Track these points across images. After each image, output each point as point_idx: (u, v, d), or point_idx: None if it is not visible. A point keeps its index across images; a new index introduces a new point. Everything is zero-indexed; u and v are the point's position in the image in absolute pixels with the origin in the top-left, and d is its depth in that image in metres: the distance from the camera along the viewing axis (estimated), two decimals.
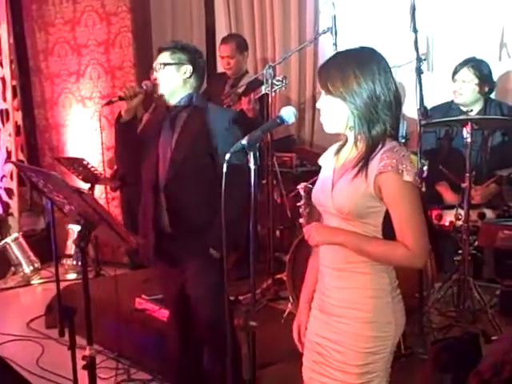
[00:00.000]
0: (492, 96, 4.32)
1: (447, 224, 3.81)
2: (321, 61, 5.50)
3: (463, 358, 2.88)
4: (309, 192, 3.97)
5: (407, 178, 1.89)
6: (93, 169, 5.63)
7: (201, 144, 2.95)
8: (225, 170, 2.01)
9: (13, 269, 6.31)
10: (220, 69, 5.64)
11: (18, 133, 6.82)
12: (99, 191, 5.92)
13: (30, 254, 6.33)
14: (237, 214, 2.69)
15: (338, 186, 2.00)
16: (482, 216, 3.74)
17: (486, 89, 4.19)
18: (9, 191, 6.72)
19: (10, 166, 6.64)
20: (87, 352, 2.62)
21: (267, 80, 4.34)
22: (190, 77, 3.03)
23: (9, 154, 6.66)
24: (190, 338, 3.21)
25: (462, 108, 4.23)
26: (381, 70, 1.96)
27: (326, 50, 5.26)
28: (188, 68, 3.02)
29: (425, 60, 3.59)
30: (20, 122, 6.91)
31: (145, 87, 3.01)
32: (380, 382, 2.04)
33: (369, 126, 1.96)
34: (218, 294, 2.90)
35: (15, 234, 6.42)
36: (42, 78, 6.82)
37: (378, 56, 2.00)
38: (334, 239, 2.00)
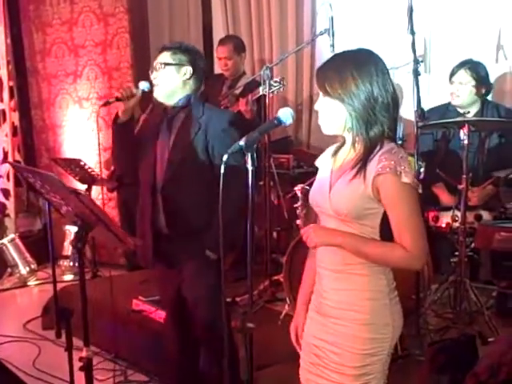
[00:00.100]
0: (489, 98, 4.32)
1: (444, 226, 3.81)
2: (318, 62, 5.51)
3: (460, 360, 2.88)
4: (306, 193, 3.96)
5: (405, 179, 1.90)
6: (90, 170, 5.63)
7: (198, 145, 2.95)
8: (222, 171, 2.01)
9: (9, 270, 6.31)
10: (217, 70, 5.64)
11: (14, 133, 6.82)
12: (96, 192, 5.92)
13: (27, 255, 6.33)
14: (234, 216, 2.69)
15: (336, 188, 2.00)
16: (478, 218, 3.74)
17: (483, 91, 4.19)
18: (5, 192, 6.71)
19: (6, 167, 6.63)
20: (84, 353, 2.61)
21: (264, 81, 4.34)
22: (190, 78, 3.03)
23: (5, 154, 6.65)
24: (186, 340, 3.21)
25: (458, 110, 4.23)
26: (378, 71, 1.96)
27: (323, 52, 5.26)
28: (188, 69, 3.02)
29: (422, 62, 3.59)
30: (17, 123, 6.91)
31: (142, 87, 3.00)
32: (377, 383, 2.04)
33: (367, 127, 1.96)
34: (215, 295, 2.89)
35: (12, 235, 6.42)
36: (39, 78, 6.81)
37: (376, 58, 2.00)
38: (331, 241, 2.00)
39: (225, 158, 2.00)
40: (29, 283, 6.19)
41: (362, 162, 1.95)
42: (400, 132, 3.83)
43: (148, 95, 3.07)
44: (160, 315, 3.83)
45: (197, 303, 3.03)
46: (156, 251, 3.04)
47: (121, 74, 6.23)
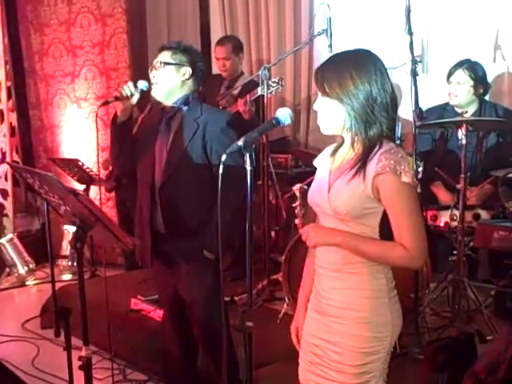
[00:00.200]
0: (486, 98, 4.33)
1: (442, 225, 3.83)
2: (316, 63, 5.52)
3: (459, 358, 2.89)
4: (304, 193, 3.97)
5: (405, 179, 1.90)
6: (88, 170, 5.64)
7: (196, 145, 2.95)
8: (221, 171, 2.01)
9: (7, 270, 6.30)
10: (215, 70, 5.64)
11: (12, 134, 6.81)
12: (94, 192, 5.92)
13: (25, 254, 6.32)
14: (232, 216, 2.69)
15: (335, 188, 2.01)
16: (476, 217, 3.75)
17: (481, 90, 4.21)
18: (3, 192, 6.70)
19: (4, 167, 6.63)
20: (83, 353, 2.61)
21: (263, 81, 4.35)
22: (189, 79, 3.03)
23: (3, 155, 6.64)
24: (185, 339, 3.21)
25: (456, 110, 4.25)
26: (377, 71, 1.97)
27: (321, 52, 5.27)
28: (187, 70, 3.02)
29: (420, 62, 3.60)
30: (15, 123, 6.90)
31: (141, 86, 3.01)
32: (377, 382, 2.04)
33: (365, 127, 1.96)
34: (213, 294, 2.90)
35: (10, 235, 6.41)
36: (37, 78, 6.81)
37: (375, 58, 2.01)
38: (331, 240, 2.01)
39: (223, 158, 2.00)
40: (27, 283, 6.18)
41: (362, 162, 1.95)
42: (398, 132, 3.83)
43: (146, 94, 3.07)
44: (159, 314, 3.83)
45: (195, 303, 3.03)
46: (154, 251, 3.04)
47: (119, 75, 6.24)
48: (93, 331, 2.74)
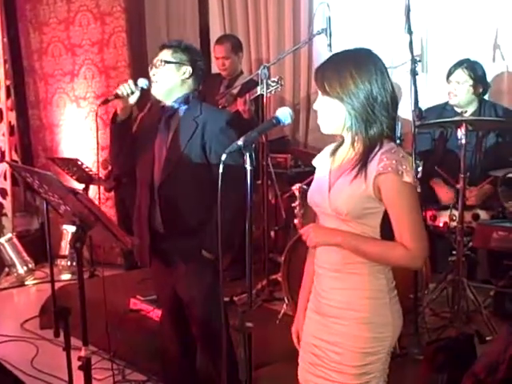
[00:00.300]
0: (486, 97, 4.33)
1: (441, 225, 3.83)
2: (315, 62, 5.52)
3: (458, 359, 2.89)
4: (303, 193, 3.97)
5: (407, 178, 1.90)
6: (87, 169, 5.63)
7: (195, 145, 2.95)
8: (221, 170, 2.01)
9: (7, 269, 6.29)
10: (214, 69, 5.64)
11: (11, 133, 6.80)
12: (93, 192, 5.91)
13: (24, 254, 6.31)
14: (232, 215, 2.69)
15: (336, 188, 2.00)
16: (476, 217, 3.75)
17: (480, 90, 4.20)
18: (2, 191, 6.69)
19: (3, 166, 6.62)
20: (83, 353, 2.61)
21: (262, 81, 4.34)
22: (189, 78, 3.03)
23: (2, 154, 6.63)
24: (184, 339, 3.20)
25: (456, 109, 4.25)
26: (377, 70, 1.96)
27: (321, 52, 5.26)
28: (188, 69, 3.02)
29: (419, 61, 3.59)
30: (14, 122, 6.89)
31: (141, 85, 3.00)
32: (378, 382, 2.04)
33: (366, 126, 1.96)
34: (212, 294, 2.90)
35: (9, 235, 6.40)
36: (36, 77, 6.80)
37: (375, 57, 2.01)
38: (332, 240, 2.00)
39: (223, 157, 2.00)
40: (26, 283, 6.17)
41: (363, 162, 1.95)
42: (398, 131, 3.83)
43: (146, 93, 3.07)
44: (157, 314, 3.82)
45: (193, 302, 3.03)
46: (153, 250, 3.04)
47: (118, 73, 6.22)
48: (92, 331, 2.74)
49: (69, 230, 6.07)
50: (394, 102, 1.99)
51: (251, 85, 4.66)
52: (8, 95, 6.75)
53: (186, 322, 3.13)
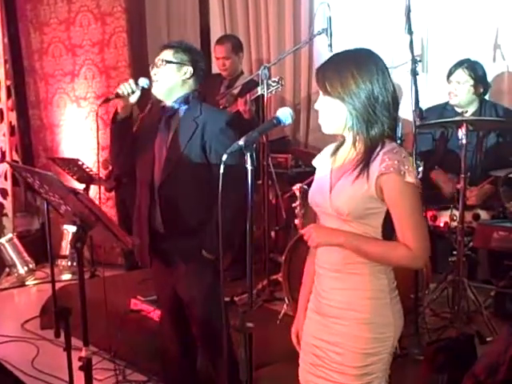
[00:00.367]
0: (486, 97, 4.33)
1: (442, 225, 3.83)
2: (316, 62, 5.52)
3: (458, 359, 2.89)
4: (304, 193, 3.97)
5: (409, 179, 1.91)
6: (88, 169, 5.63)
7: (195, 145, 2.95)
8: (222, 170, 2.01)
9: (7, 270, 6.30)
10: (215, 69, 5.64)
11: (12, 133, 6.80)
12: (94, 192, 5.91)
13: (25, 254, 6.32)
14: (232, 215, 2.68)
15: (337, 188, 2.00)
16: (476, 217, 3.75)
17: (481, 90, 4.20)
18: (3, 191, 6.69)
19: (3, 166, 6.62)
20: (83, 353, 2.61)
21: (262, 81, 4.34)
22: (190, 78, 3.03)
23: (3, 154, 6.64)
24: (184, 339, 3.20)
25: (456, 109, 4.25)
26: (379, 70, 1.96)
27: (321, 52, 5.26)
28: (189, 69, 3.02)
29: (420, 61, 3.59)
30: (14, 123, 6.89)
31: (142, 84, 3.00)
32: (379, 383, 2.04)
33: (367, 126, 1.96)
34: (212, 294, 2.90)
35: (9, 235, 6.40)
36: (37, 78, 6.80)
37: (376, 57, 2.01)
38: (334, 240, 2.00)
39: (224, 157, 2.00)
40: (27, 283, 6.18)
41: (365, 162, 1.95)
42: (399, 132, 3.83)
43: (147, 93, 3.07)
44: (158, 315, 3.82)
45: (193, 302, 3.03)
46: (153, 250, 3.04)
47: (118, 74, 6.23)
48: (92, 331, 2.74)
49: (69, 230, 6.07)
50: (395, 102, 1.99)
51: (252, 85, 4.66)
52: (8, 95, 6.75)
53: (187, 322, 3.13)
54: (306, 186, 4.00)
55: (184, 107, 3.03)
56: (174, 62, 3.00)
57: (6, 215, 6.68)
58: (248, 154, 1.99)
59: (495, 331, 3.43)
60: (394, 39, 4.75)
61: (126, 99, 2.97)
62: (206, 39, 6.46)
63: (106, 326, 3.72)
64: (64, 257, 6.26)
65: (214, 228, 2.72)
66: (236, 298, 4.12)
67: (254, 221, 2.06)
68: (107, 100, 3.04)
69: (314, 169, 2.21)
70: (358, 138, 1.99)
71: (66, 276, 6.12)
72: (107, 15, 6.24)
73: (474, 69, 4.15)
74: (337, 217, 2.00)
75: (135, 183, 3.16)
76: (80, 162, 5.62)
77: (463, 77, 4.15)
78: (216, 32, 6.23)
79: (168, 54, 3.01)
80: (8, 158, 6.56)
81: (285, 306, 3.95)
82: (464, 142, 3.49)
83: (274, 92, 4.42)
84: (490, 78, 4.35)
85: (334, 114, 2.00)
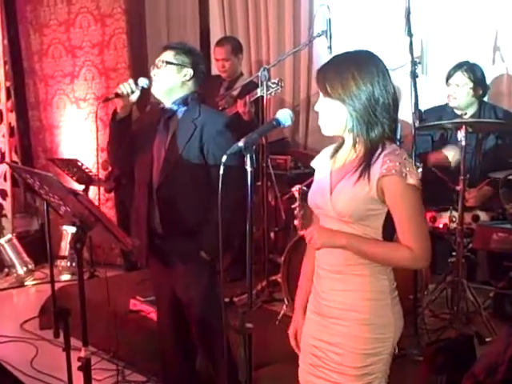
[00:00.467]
0: (485, 99, 4.33)
1: (441, 226, 3.82)
2: (315, 64, 5.52)
3: (458, 360, 2.89)
4: (303, 194, 3.98)
5: (411, 180, 1.91)
6: (87, 170, 5.64)
7: (194, 146, 2.95)
8: (221, 172, 2.01)
9: (6, 270, 6.31)
10: (214, 71, 5.64)
11: (11, 134, 6.81)
12: (93, 193, 5.92)
13: (24, 255, 6.32)
14: (231, 215, 2.69)
15: (338, 190, 2.00)
16: (475, 218, 3.76)
17: (480, 92, 4.20)
18: (2, 192, 6.70)
19: (3, 167, 6.63)
20: (82, 353, 2.61)
21: (262, 82, 4.35)
22: (189, 80, 3.04)
23: (2, 155, 6.64)
24: (183, 339, 3.21)
25: (456, 111, 4.25)
26: (379, 72, 1.97)
27: (321, 54, 5.27)
28: (189, 71, 3.03)
29: (419, 63, 3.60)
30: (14, 124, 6.89)
31: (142, 84, 3.01)
32: (379, 383, 2.04)
33: (367, 128, 1.96)
34: (210, 295, 2.91)
35: (9, 236, 6.41)
36: (37, 79, 6.81)
37: (376, 59, 2.01)
38: (336, 242, 1.99)
39: (224, 159, 2.00)
40: (26, 283, 6.18)
41: (366, 164, 1.95)
42: (398, 133, 3.83)
43: (147, 93, 3.08)
44: None
45: (192, 303, 3.04)
46: (151, 250, 3.05)
47: (118, 75, 6.23)
48: (92, 332, 2.74)
49: (69, 230, 6.07)
50: (395, 103, 1.99)
51: (251, 87, 4.67)
52: (8, 96, 6.76)
53: (186, 323, 3.14)
54: (305, 188, 4.01)
55: (183, 109, 3.04)
56: (174, 64, 3.01)
57: (5, 216, 6.69)
58: (248, 156, 1.99)
59: (494, 332, 3.43)
60: (393, 41, 4.75)
61: (126, 99, 2.98)
62: (205, 41, 6.46)
63: (106, 327, 3.73)
64: (63, 257, 6.26)
65: (212, 229, 2.73)
66: (235, 299, 4.13)
67: (254, 222, 2.06)
68: (107, 99, 3.05)
69: (313, 170, 2.21)
70: (358, 139, 1.99)
71: (66, 276, 6.12)
72: (107, 16, 6.25)
73: (473, 71, 4.16)
74: (337, 218, 2.00)
75: (134, 184, 3.17)
76: (79, 163, 5.62)
77: (462, 79, 4.15)
78: (216, 34, 6.23)
79: (169, 55, 3.02)
80: (7, 159, 6.57)
81: (284, 306, 3.95)
82: (463, 143, 3.50)
83: (273, 94, 4.43)
84: (489, 81, 4.36)
85: (335, 116, 2.00)
